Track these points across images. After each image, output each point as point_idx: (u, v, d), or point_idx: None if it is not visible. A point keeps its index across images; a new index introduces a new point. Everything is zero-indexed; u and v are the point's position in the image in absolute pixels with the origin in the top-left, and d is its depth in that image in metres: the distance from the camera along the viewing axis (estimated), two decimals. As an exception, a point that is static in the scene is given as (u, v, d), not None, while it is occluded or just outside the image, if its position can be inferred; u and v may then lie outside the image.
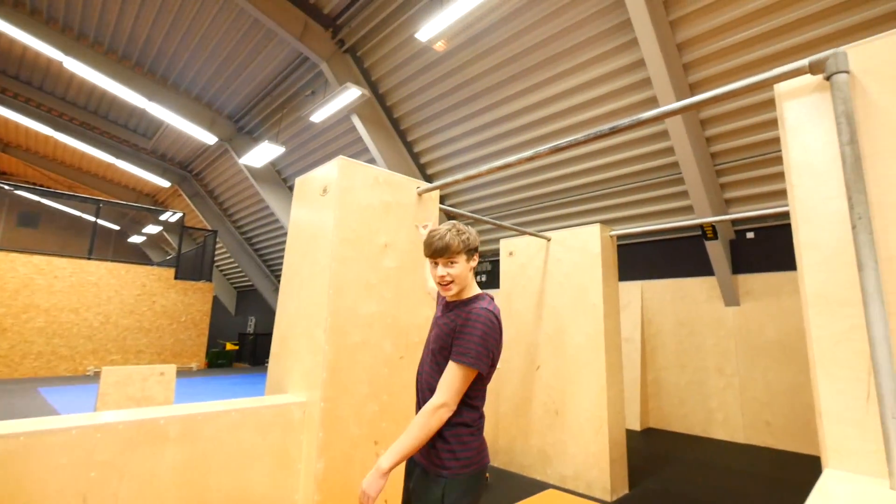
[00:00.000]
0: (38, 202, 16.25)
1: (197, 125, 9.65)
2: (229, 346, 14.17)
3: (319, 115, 7.13)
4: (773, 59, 4.53)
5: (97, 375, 10.14)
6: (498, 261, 6.45)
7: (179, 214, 13.25)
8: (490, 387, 4.50)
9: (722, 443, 5.54)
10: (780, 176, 5.29)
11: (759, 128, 5.06)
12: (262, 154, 8.61)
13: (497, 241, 8.41)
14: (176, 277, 12.23)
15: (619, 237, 4.40)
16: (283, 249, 12.84)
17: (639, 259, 7.00)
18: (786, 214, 3.62)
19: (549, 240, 4.35)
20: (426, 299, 2.75)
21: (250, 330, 15.59)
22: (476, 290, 1.52)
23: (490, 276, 8.93)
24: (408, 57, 6.61)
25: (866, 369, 1.23)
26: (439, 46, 6.12)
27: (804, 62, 1.49)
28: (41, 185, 15.32)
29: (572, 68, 5.57)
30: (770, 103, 4.78)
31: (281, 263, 13.41)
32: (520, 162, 2.45)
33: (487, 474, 3.82)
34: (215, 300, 15.39)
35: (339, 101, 6.63)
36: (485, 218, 4.00)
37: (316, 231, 2.54)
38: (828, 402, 1.27)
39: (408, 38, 6.31)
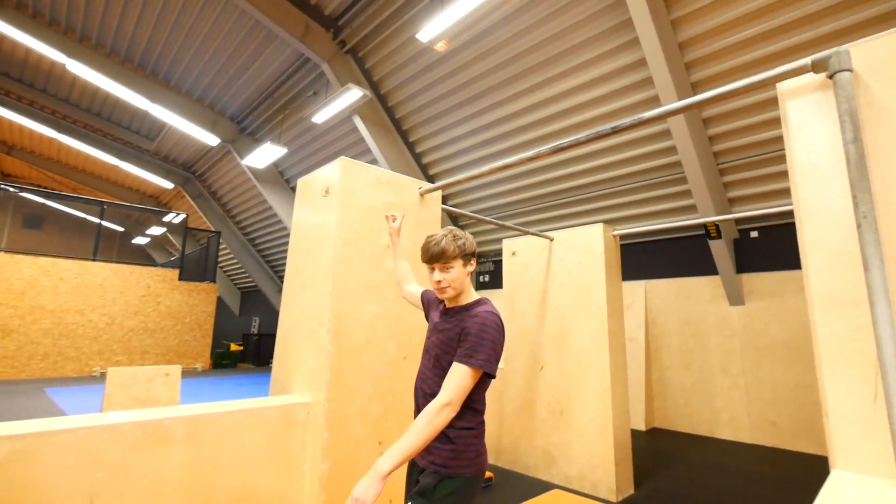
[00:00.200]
0: (43, 204, 16.34)
1: (199, 126, 9.68)
2: (233, 347, 14.22)
3: (321, 116, 7.14)
4: (775, 57, 4.51)
5: (103, 376, 10.18)
6: (500, 261, 6.46)
7: (183, 216, 13.30)
8: (494, 387, 4.52)
9: (728, 443, 5.52)
10: (784, 175, 5.27)
11: (762, 126, 5.04)
12: (264, 155, 8.64)
13: (499, 241, 8.40)
14: (180, 278, 12.28)
15: (622, 237, 4.40)
16: (286, 250, 12.87)
17: (642, 259, 6.98)
18: (790, 213, 3.61)
19: (551, 240, 4.35)
20: (429, 300, 2.75)
21: (254, 330, 15.63)
22: (475, 295, 1.53)
23: (493, 276, 8.93)
24: (409, 57, 6.61)
25: (873, 369, 1.22)
26: (440, 47, 6.12)
27: (806, 61, 1.48)
28: (45, 187, 15.42)
29: (573, 68, 5.56)
30: (773, 102, 4.76)
31: (284, 264, 13.46)
32: (521, 162, 2.45)
33: (491, 474, 3.82)
34: (219, 301, 15.42)
35: (341, 102, 6.64)
36: (487, 218, 4.00)
37: (318, 232, 2.55)
38: (835, 402, 1.27)
39: (409, 39, 6.31)
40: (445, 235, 1.49)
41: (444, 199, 8.06)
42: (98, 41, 8.46)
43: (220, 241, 13.68)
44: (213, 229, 13.75)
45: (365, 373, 2.34)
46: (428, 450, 1.39)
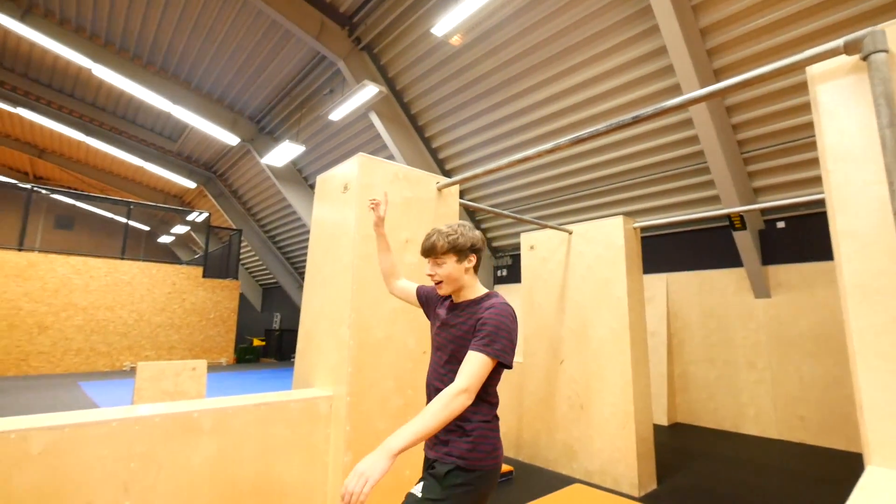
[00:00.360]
0: (73, 205, 16.93)
1: (220, 127, 9.87)
2: (256, 342, 14.53)
3: (338, 114, 7.19)
4: (803, 41, 4.35)
5: (133, 370, 10.55)
6: (519, 255, 6.42)
7: (205, 214, 13.61)
8: (513, 380, 4.51)
9: (754, 438, 5.40)
10: (813, 163, 5.09)
11: (789, 113, 4.87)
12: (282, 153, 8.75)
13: (517, 235, 8.35)
14: (204, 276, 12.59)
15: (643, 229, 4.31)
16: (306, 247, 13.06)
17: (663, 251, 6.85)
18: (820, 202, 3.48)
19: (570, 233, 4.30)
20: (448, 294, 2.75)
21: (276, 326, 15.93)
22: (483, 289, 1.52)
23: (511, 270, 8.89)
24: (424, 52, 6.60)
25: (910, 362, 1.18)
26: (455, 41, 6.09)
27: (839, 42, 1.42)
28: (75, 189, 15.94)
29: (591, 58, 5.47)
30: (801, 87, 4.59)
31: (304, 261, 13.67)
32: (540, 154, 2.43)
33: (511, 468, 3.82)
34: (242, 297, 15.76)
35: (357, 99, 6.68)
36: (505, 212, 3.98)
37: (338, 228, 2.57)
38: (870, 397, 1.23)
39: (424, 34, 6.30)
40: (440, 230, 1.48)
41: (462, 194, 8.05)
42: (122, 45, 8.69)
43: (242, 238, 13.96)
44: (234, 227, 14.04)
45: (386, 367, 2.36)
46: (445, 442, 1.38)
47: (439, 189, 2.84)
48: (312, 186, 10.93)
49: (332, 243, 2.62)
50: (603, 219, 4.08)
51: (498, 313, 1.36)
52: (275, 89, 9.08)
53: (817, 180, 5.18)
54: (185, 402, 1.95)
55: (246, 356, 13.59)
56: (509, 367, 1.36)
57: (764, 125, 5.06)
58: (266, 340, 14.91)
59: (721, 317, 6.10)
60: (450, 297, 1.56)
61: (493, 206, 8.08)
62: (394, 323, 2.45)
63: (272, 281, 16.49)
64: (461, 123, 7.24)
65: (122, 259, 11.42)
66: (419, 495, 1.30)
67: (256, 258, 15.61)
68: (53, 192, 12.54)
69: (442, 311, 1.56)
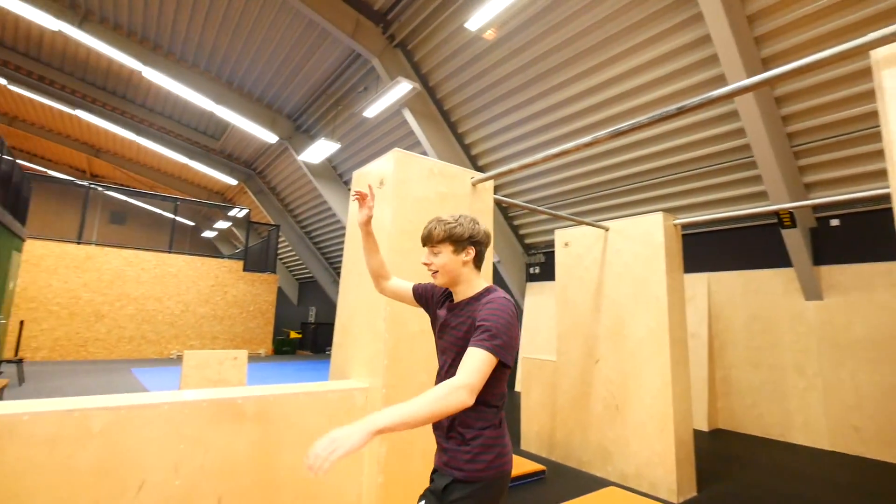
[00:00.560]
0: (126, 201, 17.93)
1: (259, 125, 10.20)
2: (293, 335, 14.99)
3: (372, 111, 7.28)
4: (860, 26, 4.05)
5: (179, 358, 11.11)
6: (552, 252, 6.32)
7: (246, 210, 14.13)
8: (547, 379, 4.46)
9: (802, 448, 5.12)
10: (871, 156, 4.75)
11: (844, 103, 4.56)
12: (319, 151, 8.96)
13: (551, 232, 8.23)
14: (244, 269, 13.10)
15: (684, 226, 4.16)
16: (340, 243, 13.34)
17: (705, 250, 6.58)
18: (883, 198, 3.25)
19: (607, 229, 4.20)
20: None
21: (311, 319, 16.37)
22: (483, 284, 1.43)
23: (544, 267, 8.77)
24: (457, 48, 6.58)
25: None
26: (489, 35, 6.04)
27: (911, 23, 1.32)
28: (127, 186, 16.87)
29: (631, 48, 5.30)
30: (858, 75, 4.29)
31: (338, 257, 13.97)
32: (577, 148, 2.38)
33: (543, 467, 3.78)
34: (279, 291, 16.30)
35: (391, 96, 6.74)
36: (539, 208, 3.93)
37: (374, 223, 2.61)
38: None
39: (457, 29, 6.28)
40: (441, 219, 1.42)
41: (496, 190, 7.99)
42: (169, 48, 9.10)
43: (279, 234, 14.41)
44: (272, 223, 14.50)
45: (420, 360, 2.39)
46: (444, 450, 1.32)
47: (474, 184, 2.83)
48: (347, 183, 11.14)
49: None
50: (642, 215, 3.96)
51: (496, 308, 1.28)
52: (311, 88, 9.29)
53: (876, 175, 4.84)
54: (229, 388, 2.04)
55: (283, 348, 14.05)
56: (508, 366, 1.27)
57: (816, 116, 4.76)
58: (302, 333, 15.36)
59: (767, 319, 5.80)
60: (450, 296, 1.49)
61: (528, 202, 7.99)
62: (428, 316, 2.46)
63: (308, 275, 16.93)
64: (495, 119, 7.18)
65: (170, 252, 12.03)
66: None
67: (293, 253, 16.07)
68: (108, 188, 13.34)
69: (442, 313, 1.49)
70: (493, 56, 6.35)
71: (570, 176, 7.17)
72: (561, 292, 4.57)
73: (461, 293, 1.43)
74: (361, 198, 1.61)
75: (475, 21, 5.15)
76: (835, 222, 5.43)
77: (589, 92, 5.99)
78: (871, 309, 4.99)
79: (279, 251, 16.60)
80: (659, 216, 3.80)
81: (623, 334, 3.88)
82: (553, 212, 4.04)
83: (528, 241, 9.01)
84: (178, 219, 13.80)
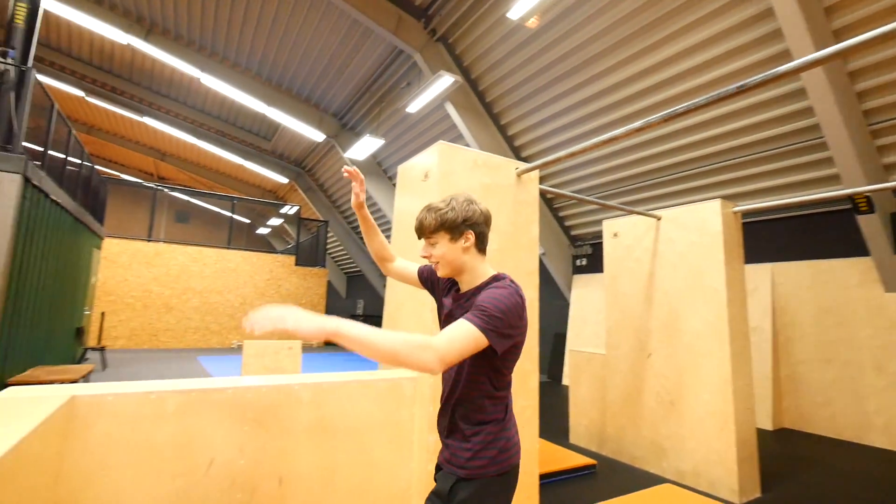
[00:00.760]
0: (189, 201, 19.17)
1: (307, 124, 10.56)
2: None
3: (415, 106, 7.35)
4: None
5: (240, 348, 11.82)
6: (600, 243, 6.12)
7: (296, 207, 14.72)
8: (596, 372, 4.36)
9: (882, 451, 4.71)
10: (971, 129, 4.24)
11: (938, 72, 4.09)
12: (364, 147, 9.15)
13: (598, 223, 7.99)
14: (296, 264, 13.68)
15: (745, 214, 3.90)
16: (386, 236, 13.59)
17: (768, 238, 6.15)
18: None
19: (658, 219, 4.03)
20: (528, 281, 2.72)
21: (359, 312, 16.86)
22: (491, 272, 1.31)
23: (591, 259, 8.54)
24: (499, 38, 6.49)
25: None
26: (532, 23, 5.91)
27: None
28: (190, 187, 18.02)
29: (684, 28, 5.01)
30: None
31: (384, 250, 14.24)
32: (628, 134, 2.29)
33: (594, 461, 3.71)
34: (329, 284, 16.87)
35: (433, 90, 6.77)
36: (588, 198, 3.83)
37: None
38: None
39: (499, 19, 6.19)
40: (431, 205, 1.30)
41: (541, 181, 7.87)
42: (224, 55, 9.60)
43: (328, 229, 14.90)
44: (321, 219, 15.02)
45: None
46: (447, 445, 1.27)
47: (518, 175, 2.80)
48: (392, 178, 11.33)
49: (413, 231, 2.70)
50: (697, 203, 3.76)
51: (499, 293, 1.16)
52: (356, 86, 9.49)
53: (976, 151, 4.32)
54: (286, 375, 2.14)
55: (333, 339, 14.57)
56: (497, 351, 1.13)
57: (900, 90, 4.31)
58: (351, 325, 15.83)
59: (840, 312, 5.35)
60: (456, 284, 1.39)
61: (575, 192, 7.79)
62: (474, 309, 2.47)
63: (356, 269, 17.43)
64: (539, 108, 7.04)
65: (228, 249, 12.77)
66: None
67: (341, 247, 16.58)
68: (173, 189, 14.31)
69: (448, 301, 1.39)
70: (536, 44, 6.22)
71: (619, 164, 6.91)
72: (610, 284, 4.44)
73: (467, 282, 1.32)
74: (353, 175, 1.52)
75: (517, 10, 5.05)
76: (922, 206, 4.91)
77: (639, 76, 5.74)
78: (966, 301, 4.49)
79: (328, 246, 17.18)
80: (716, 203, 3.60)
81: (677, 328, 3.72)
82: (601, 201, 3.92)
83: (574, 232, 8.80)
84: (235, 217, 14.61)
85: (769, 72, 1.76)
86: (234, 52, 9.43)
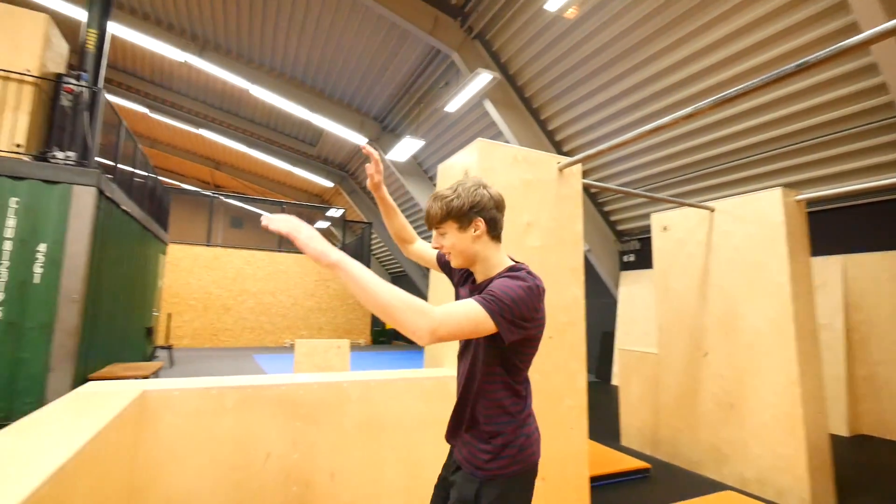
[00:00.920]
0: (242, 207, 20.19)
1: (349, 128, 10.85)
2: (388, 326, 15.82)
3: (453, 105, 7.36)
4: None
5: (292, 347, 12.34)
6: (648, 238, 5.87)
7: (342, 210, 15.14)
8: (647, 372, 4.21)
9: (979, 462, 4.22)
10: None
11: None
12: (404, 149, 9.28)
13: (645, 217, 7.67)
14: (342, 265, 14.07)
15: (810, 202, 3.62)
16: (429, 238, 13.71)
17: (838, 229, 5.66)
18: None
19: (712, 210, 3.81)
20: (573, 278, 2.66)
21: (403, 311, 17.09)
22: (508, 261, 1.24)
23: (639, 255, 8.21)
24: (536, 32, 6.37)
25: None
26: (571, 13, 5.76)
27: None
28: (243, 194, 18.99)
29: (735, 7, 4.71)
30: None
31: (426, 250, 14.38)
32: (676, 122, 2.18)
33: (648, 465, 3.57)
34: (373, 285, 17.19)
35: (472, 88, 6.75)
36: (635, 191, 3.69)
37: (461, 215, 2.65)
38: None
39: (536, 12, 6.08)
40: (438, 194, 1.23)
41: (584, 175, 7.66)
42: (271, 66, 10.03)
43: (372, 231, 15.24)
44: (365, 221, 15.38)
45: (510, 350, 2.38)
46: (464, 441, 1.23)
47: (560, 169, 2.74)
48: (432, 178, 11.41)
49: (455, 230, 2.70)
50: (755, 192, 3.52)
51: (507, 279, 1.11)
52: (395, 88, 9.64)
53: None
54: (335, 373, 2.21)
55: (380, 338, 14.91)
56: (505, 340, 1.07)
57: None
58: (396, 324, 16.15)
59: (928, 307, 4.85)
60: (472, 273, 1.33)
61: (621, 185, 7.52)
62: (517, 307, 2.45)
63: (399, 269, 17.71)
64: (580, 101, 6.86)
65: (279, 252, 13.34)
66: None
67: (385, 248, 16.90)
68: (228, 196, 15.12)
69: (464, 293, 1.35)
70: (576, 35, 6.05)
71: (667, 155, 6.61)
72: (660, 281, 4.25)
73: (481, 272, 1.26)
74: (369, 154, 1.43)
75: (554, 1, 4.95)
76: None
77: (686, 61, 5.45)
78: None
79: (372, 247, 17.57)
80: (777, 192, 3.36)
81: (735, 326, 3.51)
82: (649, 194, 3.76)
83: (620, 227, 8.50)
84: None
85: (834, 46, 1.62)
86: (280, 62, 9.83)
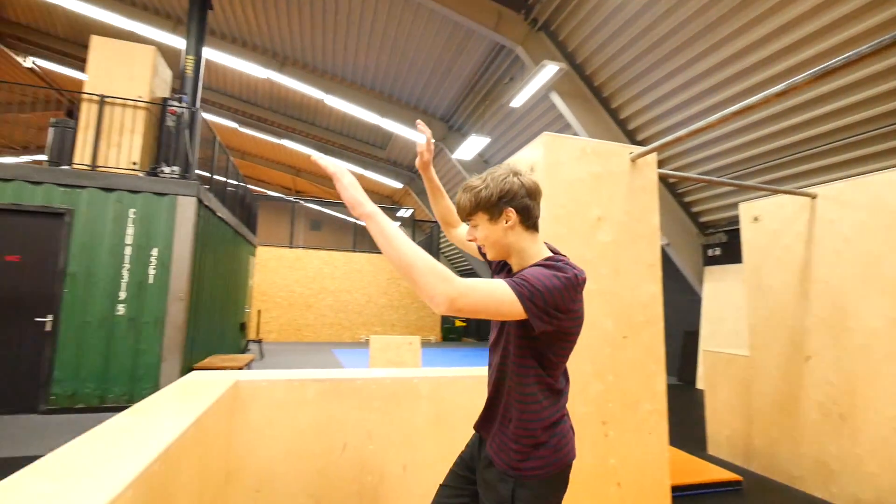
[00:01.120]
0: (321, 211, 21.49)
1: (416, 131, 11.09)
2: (458, 323, 16.00)
3: (519, 100, 7.24)
4: None
5: (367, 342, 12.94)
6: (735, 230, 5.34)
7: (411, 210, 15.54)
8: (738, 375, 3.87)
9: None
10: None
11: None
12: (470, 147, 9.30)
13: (731, 207, 7.02)
14: (413, 264, 14.48)
15: (944, 182, 3.09)
16: (495, 234, 13.66)
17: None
18: None
19: (813, 197, 3.40)
20: (649, 275, 2.52)
21: (472, 309, 17.18)
22: (545, 252, 1.18)
23: (726, 248, 7.53)
24: (605, 17, 6.07)
25: None
26: (643, -7, 5.41)
27: None
28: (322, 198, 20.19)
29: (844, -37, 4.14)
30: None
31: (494, 247, 14.32)
32: (766, 101, 1.97)
33: (740, 477, 3.29)
34: (442, 282, 17.47)
35: (538, 81, 6.59)
36: (720, 179, 3.40)
37: (527, 212, 2.61)
38: None
39: (606, -4, 5.79)
40: (467, 184, 1.19)
41: (660, 164, 7.19)
42: (342, 76, 10.55)
43: (441, 230, 15.48)
44: (433, 220, 15.66)
45: (583, 351, 2.31)
46: (494, 435, 1.20)
47: (633, 160, 2.60)
48: (499, 175, 11.32)
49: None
50: (865, 176, 3.09)
51: (543, 269, 1.05)
52: (460, 87, 9.70)
53: None
54: (407, 369, 2.29)
55: (450, 335, 15.13)
56: (535, 328, 1.02)
57: None
58: (466, 322, 16.28)
59: None
60: (508, 265, 1.28)
61: (702, 173, 6.96)
62: (590, 304, 2.36)
63: (468, 266, 17.81)
64: (654, 86, 6.43)
65: (354, 252, 14.03)
66: None
67: (453, 247, 17.09)
68: (308, 201, 16.16)
69: None
70: (646, 18, 5.68)
71: (754, 139, 5.98)
72: (752, 276, 3.87)
73: (517, 265, 1.20)
74: (422, 130, 1.41)
75: (626, -19, 4.68)
76: None
77: (775, 35, 4.87)
78: None
79: (441, 246, 17.85)
80: (894, 174, 2.92)
81: (846, 326, 3.10)
82: (736, 182, 3.44)
83: (703, 219, 7.86)
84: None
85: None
86: (351, 72, 10.31)
